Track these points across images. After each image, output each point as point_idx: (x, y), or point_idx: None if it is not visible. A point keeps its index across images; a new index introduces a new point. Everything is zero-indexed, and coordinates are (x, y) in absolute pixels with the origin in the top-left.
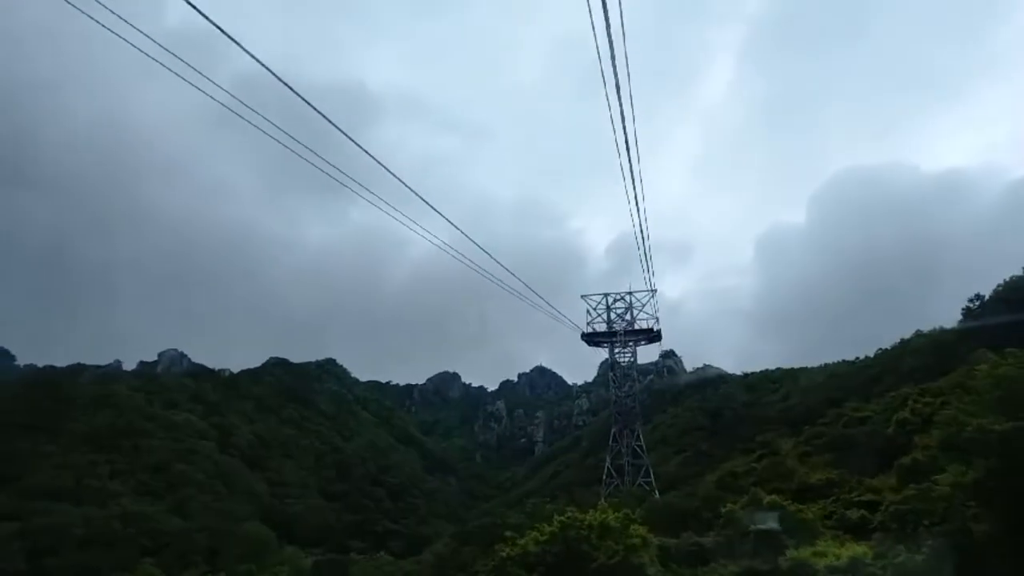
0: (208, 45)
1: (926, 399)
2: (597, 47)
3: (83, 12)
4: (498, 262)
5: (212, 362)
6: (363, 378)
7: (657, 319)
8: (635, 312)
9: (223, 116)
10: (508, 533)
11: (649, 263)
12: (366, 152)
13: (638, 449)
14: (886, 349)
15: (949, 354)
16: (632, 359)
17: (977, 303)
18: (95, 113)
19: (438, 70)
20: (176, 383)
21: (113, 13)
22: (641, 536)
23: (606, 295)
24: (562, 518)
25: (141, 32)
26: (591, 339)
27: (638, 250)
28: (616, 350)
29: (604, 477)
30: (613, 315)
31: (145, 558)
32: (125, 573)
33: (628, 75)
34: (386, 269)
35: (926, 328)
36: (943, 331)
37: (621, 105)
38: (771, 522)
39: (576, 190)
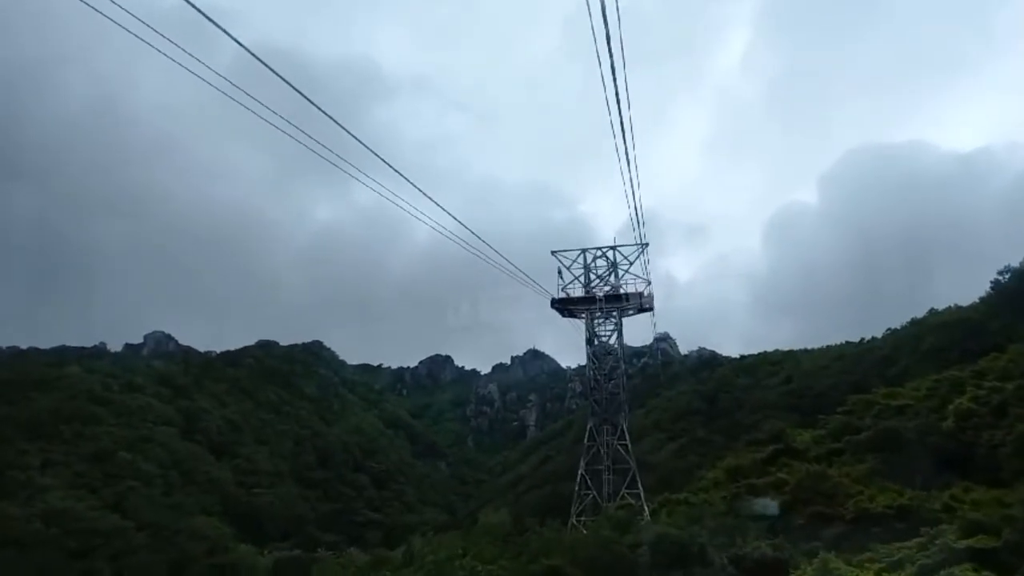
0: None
1: (991, 383)
2: (590, 16)
3: None
4: (471, 231)
5: (203, 345)
6: (358, 361)
7: (649, 282)
8: (620, 273)
9: (222, 94)
10: None
11: (639, 210)
12: (356, 139)
13: (622, 450)
14: (896, 329)
15: (976, 331)
16: (616, 332)
17: (1007, 275)
18: (88, 91)
19: (450, 47)
20: (142, 365)
21: None
22: None
23: (583, 251)
24: None
25: (133, 15)
26: (564, 306)
27: (626, 200)
28: (597, 320)
29: (576, 489)
30: (593, 276)
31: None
32: None
33: (620, 36)
34: (390, 251)
35: (940, 308)
36: (963, 308)
37: (611, 54)
38: (771, 509)
39: (588, 172)
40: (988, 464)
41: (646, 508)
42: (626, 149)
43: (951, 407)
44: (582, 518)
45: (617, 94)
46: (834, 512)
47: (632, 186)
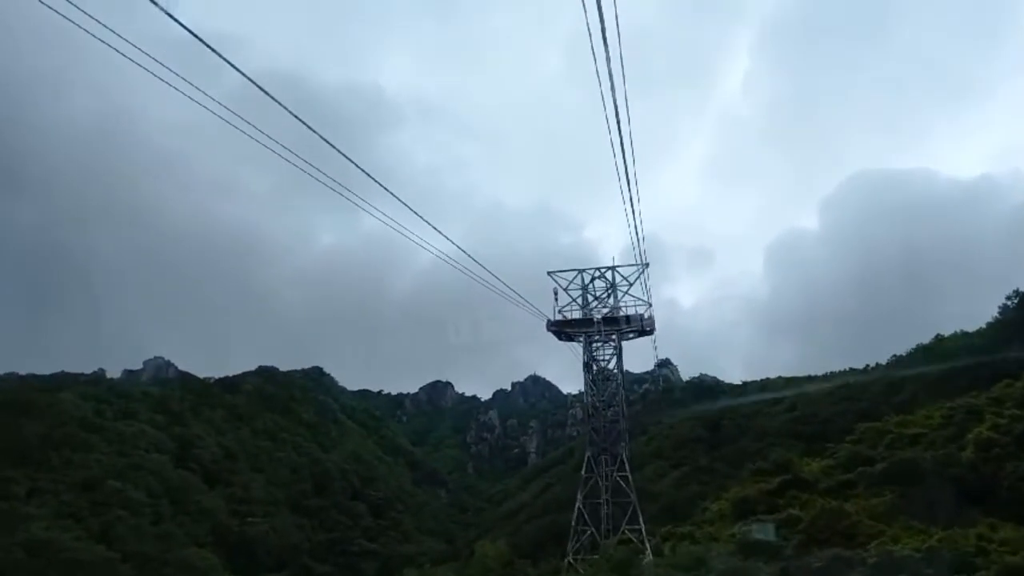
0: (216, 47)
1: (1010, 410)
2: (592, 47)
3: (75, 23)
4: (469, 255)
5: (205, 368)
6: (358, 387)
7: (650, 304)
8: (619, 294)
9: (226, 121)
10: None
11: (639, 226)
12: (361, 169)
13: (622, 482)
14: (901, 356)
15: (987, 357)
16: (616, 355)
17: (1015, 300)
18: (88, 113)
19: (456, 72)
20: (138, 391)
21: (101, 23)
22: None
23: (580, 271)
24: None
25: (131, 43)
26: (560, 329)
27: (626, 220)
28: (596, 344)
29: (573, 524)
30: (591, 298)
31: None
32: None
33: (623, 68)
34: (393, 273)
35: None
36: (970, 334)
37: (612, 86)
38: (768, 533)
39: (593, 196)
40: (1014, 498)
41: (647, 545)
42: (625, 166)
43: (970, 436)
44: (579, 556)
45: (618, 117)
46: (854, 555)
47: (632, 203)
